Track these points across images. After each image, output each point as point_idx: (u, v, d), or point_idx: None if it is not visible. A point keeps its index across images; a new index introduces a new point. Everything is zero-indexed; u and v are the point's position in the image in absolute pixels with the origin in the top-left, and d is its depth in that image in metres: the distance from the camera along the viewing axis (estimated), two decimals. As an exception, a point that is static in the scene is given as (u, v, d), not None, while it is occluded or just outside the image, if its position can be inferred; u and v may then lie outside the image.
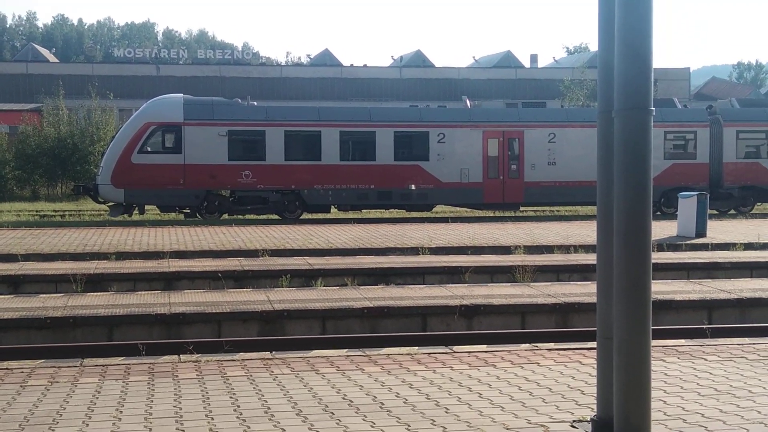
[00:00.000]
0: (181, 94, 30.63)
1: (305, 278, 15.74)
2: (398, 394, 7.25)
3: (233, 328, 12.04)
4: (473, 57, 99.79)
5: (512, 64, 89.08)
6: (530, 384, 7.59)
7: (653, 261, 5.73)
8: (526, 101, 38.37)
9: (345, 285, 14.93)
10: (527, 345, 9.62)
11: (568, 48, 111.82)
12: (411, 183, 29.57)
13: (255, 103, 31.09)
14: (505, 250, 19.15)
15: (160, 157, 28.33)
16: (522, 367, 8.25)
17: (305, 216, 29.53)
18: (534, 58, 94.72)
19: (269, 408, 6.79)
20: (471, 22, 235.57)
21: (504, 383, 7.62)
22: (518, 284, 14.91)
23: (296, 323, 12.28)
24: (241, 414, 6.60)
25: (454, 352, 9.05)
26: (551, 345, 9.58)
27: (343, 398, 7.09)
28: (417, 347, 9.74)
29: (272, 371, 8.12)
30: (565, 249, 19.26)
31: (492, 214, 31.33)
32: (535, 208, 34.09)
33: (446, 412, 6.65)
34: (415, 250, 18.76)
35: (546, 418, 6.47)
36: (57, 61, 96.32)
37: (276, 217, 29.21)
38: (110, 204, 28.65)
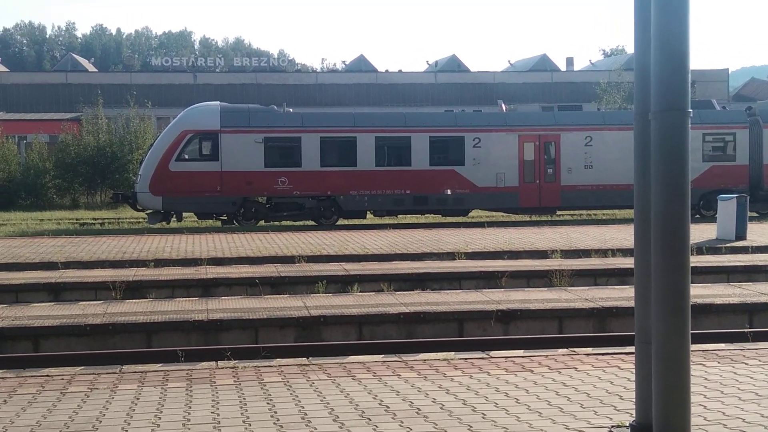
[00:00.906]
0: (218, 102, 30.84)
1: (341, 284, 15.76)
2: (435, 399, 7.23)
3: (270, 334, 12.09)
4: (508, 61, 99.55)
5: (548, 67, 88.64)
6: (568, 389, 7.54)
7: (692, 264, 5.66)
8: (562, 104, 38.30)
9: (381, 290, 14.93)
10: (565, 350, 9.55)
11: (604, 50, 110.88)
12: (447, 188, 29.50)
13: (291, 110, 31.21)
14: (542, 254, 19.04)
15: (198, 164, 28.54)
16: (560, 373, 8.19)
17: (341, 222, 29.58)
18: (570, 61, 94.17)
19: (306, 414, 6.80)
20: (506, 26, 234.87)
21: (541, 388, 7.57)
22: (555, 289, 14.81)
23: (333, 329, 12.30)
24: (278, 420, 6.62)
25: (491, 357, 9.01)
26: (589, 350, 9.51)
27: (380, 404, 7.09)
28: (453, 352, 9.70)
29: (309, 377, 8.14)
30: (603, 253, 19.11)
31: (528, 219, 31.17)
32: (571, 212, 33.83)
33: (483, 418, 6.62)
34: (451, 255, 18.71)
35: (584, 424, 6.42)
36: (96, 70, 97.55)
37: (312, 223, 29.29)
38: (149, 212, 28.90)
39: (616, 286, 15.14)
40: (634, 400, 6.07)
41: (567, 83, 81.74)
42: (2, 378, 8.27)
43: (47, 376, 8.35)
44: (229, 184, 28.36)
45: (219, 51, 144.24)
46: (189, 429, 6.41)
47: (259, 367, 8.64)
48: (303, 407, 7.02)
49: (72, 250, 19.70)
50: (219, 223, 29.33)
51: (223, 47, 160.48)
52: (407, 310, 12.61)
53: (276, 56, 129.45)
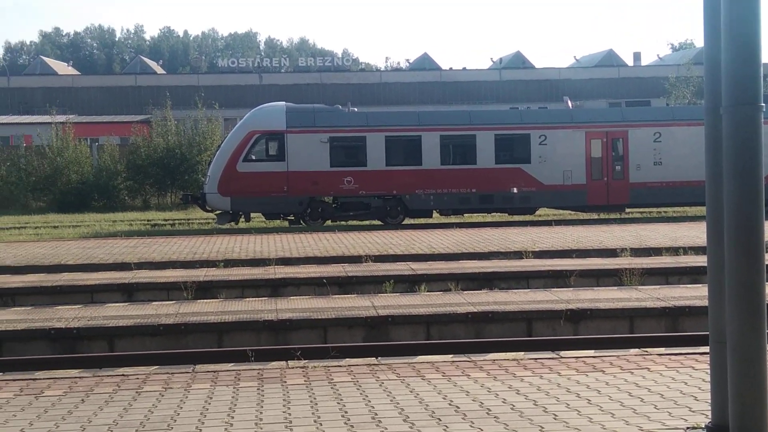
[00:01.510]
0: (284, 102, 31.12)
1: (409, 283, 15.78)
2: (505, 400, 7.20)
3: (339, 334, 12.17)
4: (574, 56, 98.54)
5: (615, 62, 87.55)
6: (641, 390, 7.44)
7: (767, 261, 5.55)
8: (630, 100, 37.79)
9: (449, 290, 14.91)
10: (636, 350, 9.44)
11: (672, 44, 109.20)
12: (513, 186, 29.33)
13: (355, 109, 31.35)
14: (611, 252, 18.80)
15: (264, 165, 28.83)
16: (632, 373, 8.09)
17: (407, 221, 29.61)
18: (637, 56, 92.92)
19: (376, 414, 6.84)
20: (572, 21, 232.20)
21: (613, 389, 7.49)
22: (625, 288, 14.62)
23: (401, 329, 12.33)
24: (348, 420, 6.67)
25: (561, 357, 8.94)
26: (662, 350, 9.38)
27: (450, 404, 7.09)
28: (523, 352, 9.66)
29: (378, 377, 8.17)
30: (674, 251, 18.79)
31: (596, 216, 30.81)
32: (641, 210, 33.36)
33: (555, 419, 6.58)
34: (518, 254, 18.60)
35: (658, 425, 6.34)
36: (164, 72, 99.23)
37: (378, 222, 29.38)
38: (217, 212, 29.30)
39: (688, 285, 14.88)
40: (709, 401, 5.97)
41: (634, 78, 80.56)
42: (79, 377, 8.47)
43: (123, 375, 8.53)
44: (295, 184, 28.60)
45: (284, 51, 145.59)
46: (261, 428, 6.49)
47: (328, 366, 8.71)
48: (373, 407, 7.05)
49: (144, 250, 20.08)
50: (286, 223, 29.60)
51: (288, 48, 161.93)
52: (475, 310, 12.57)
53: (340, 56, 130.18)
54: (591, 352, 9.30)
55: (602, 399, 7.16)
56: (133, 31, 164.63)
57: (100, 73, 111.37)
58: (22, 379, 8.43)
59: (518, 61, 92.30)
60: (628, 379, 7.87)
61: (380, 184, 29.04)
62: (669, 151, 29.86)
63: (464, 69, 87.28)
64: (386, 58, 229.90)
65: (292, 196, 28.65)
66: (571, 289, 14.62)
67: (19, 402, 7.49)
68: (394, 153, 29.36)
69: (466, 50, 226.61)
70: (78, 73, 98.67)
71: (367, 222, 29.51)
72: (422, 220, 29.91)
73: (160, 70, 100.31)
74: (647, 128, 30.07)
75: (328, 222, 29.12)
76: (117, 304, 13.87)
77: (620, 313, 12.57)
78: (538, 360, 8.79)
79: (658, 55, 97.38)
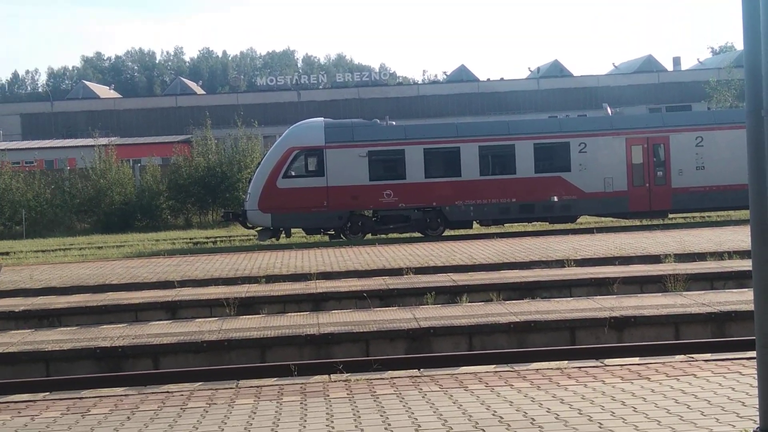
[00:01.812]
0: (322, 118, 31.25)
1: (450, 295, 15.73)
2: (549, 409, 7.14)
3: (381, 347, 12.16)
4: (613, 63, 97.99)
5: (654, 68, 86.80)
6: (687, 396, 7.34)
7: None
8: (670, 105, 37.39)
9: (490, 300, 14.84)
10: (682, 356, 9.31)
11: (713, 48, 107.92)
12: (553, 195, 29.15)
13: (394, 123, 31.40)
14: (655, 259, 18.59)
15: (304, 180, 28.97)
16: (678, 380, 7.98)
17: (447, 232, 29.54)
18: (677, 61, 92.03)
19: (420, 426, 6.81)
20: (609, 28, 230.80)
21: (659, 396, 7.39)
22: (670, 294, 14.44)
23: (443, 340, 12.28)
24: (391, 432, 6.65)
25: (606, 365, 8.85)
26: (708, 356, 9.25)
27: (493, 414, 7.05)
28: (566, 361, 9.58)
29: (421, 389, 8.15)
30: (719, 256, 18.53)
31: (639, 223, 30.50)
32: (684, 215, 32.96)
33: (600, 427, 6.50)
34: (560, 263, 18.47)
35: (705, 432, 6.24)
36: (204, 92, 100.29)
37: (418, 234, 29.35)
38: (258, 229, 29.46)
39: (734, 290, 14.66)
40: (756, 405, 5.87)
41: (674, 83, 79.85)
42: (125, 395, 8.55)
43: (167, 392, 8.59)
44: (335, 199, 28.68)
45: (321, 68, 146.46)
46: (305, 442, 6.50)
47: (371, 379, 8.70)
48: (416, 419, 7.03)
49: (187, 268, 20.24)
50: (327, 238, 29.68)
51: (325, 64, 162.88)
52: (517, 320, 12.50)
53: (377, 70, 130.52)
54: (636, 360, 9.20)
55: (648, 406, 7.06)
56: (172, 53, 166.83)
57: (141, 96, 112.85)
58: (69, 398, 8.52)
59: (556, 70, 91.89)
60: (674, 385, 7.77)
61: (420, 196, 29.02)
62: (711, 155, 29.50)
63: (502, 79, 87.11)
64: (423, 71, 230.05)
65: (332, 211, 28.72)
66: (615, 296, 14.47)
67: (67, 421, 7.57)
68: (433, 165, 29.34)
69: (504, 60, 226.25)
70: (119, 96, 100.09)
71: (407, 234, 29.49)
72: (462, 231, 29.82)
73: (199, 90, 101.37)
74: (689, 133, 29.74)
75: (369, 235, 29.14)
76: (161, 322, 13.99)
77: (665, 319, 12.41)
78: (582, 368, 8.71)
79: (698, 59, 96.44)
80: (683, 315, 12.47)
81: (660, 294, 14.57)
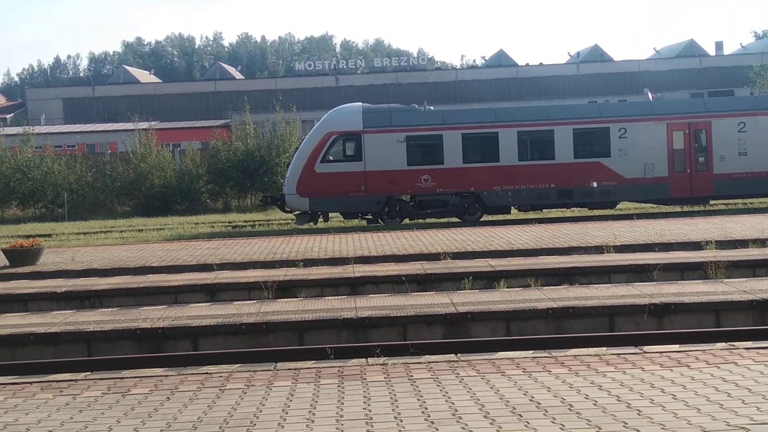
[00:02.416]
0: (360, 103, 31.24)
1: (488, 280, 15.69)
2: (587, 395, 7.10)
3: (418, 331, 12.17)
4: (654, 48, 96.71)
5: (696, 52, 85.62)
6: (728, 384, 7.25)
7: None
8: (713, 90, 36.88)
9: (528, 286, 14.78)
10: (723, 344, 9.21)
11: (756, 32, 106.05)
12: (592, 180, 28.91)
13: (432, 108, 31.29)
14: (695, 245, 18.39)
15: (342, 165, 29.00)
16: (718, 368, 7.90)
17: (485, 218, 29.44)
18: (719, 45, 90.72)
19: (456, 410, 6.81)
20: (651, 12, 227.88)
21: (699, 384, 7.32)
22: (711, 281, 14.28)
23: (480, 325, 12.26)
24: (429, 416, 6.66)
25: (645, 352, 8.78)
26: (749, 344, 9.14)
27: (531, 400, 7.02)
28: (605, 348, 9.51)
29: (458, 373, 8.14)
30: (761, 243, 18.28)
31: (679, 209, 30.18)
32: (725, 202, 32.55)
33: (638, 414, 6.46)
34: (599, 249, 18.33)
35: (746, 420, 6.17)
36: (242, 77, 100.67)
37: (456, 219, 29.28)
38: (296, 213, 29.58)
39: (776, 277, 14.46)
40: (800, 395, 5.79)
41: (717, 68, 78.73)
42: (164, 376, 8.64)
43: (206, 373, 8.67)
44: (373, 184, 28.69)
45: (360, 53, 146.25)
46: (342, 424, 6.53)
47: (408, 363, 8.71)
48: (453, 403, 7.03)
49: (226, 252, 20.39)
50: (364, 223, 29.72)
51: (363, 49, 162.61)
52: (555, 305, 12.43)
53: (415, 55, 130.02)
54: (676, 347, 9.11)
55: (688, 394, 7.00)
56: (212, 39, 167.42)
57: (180, 80, 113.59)
58: (110, 378, 8.64)
59: (596, 55, 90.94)
60: (715, 373, 7.68)
61: (458, 181, 28.93)
62: (754, 140, 29.09)
63: (541, 64, 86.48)
64: (462, 56, 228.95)
65: (370, 196, 28.74)
66: (655, 283, 14.34)
67: (107, 400, 7.68)
68: (471, 150, 29.23)
69: (543, 45, 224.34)
70: (159, 80, 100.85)
71: (444, 219, 29.45)
72: (500, 217, 29.70)
73: (238, 75, 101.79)
74: (731, 118, 29.33)
75: (406, 220, 29.14)
76: (200, 305, 14.12)
77: (706, 306, 12.28)
78: (621, 355, 8.65)
79: (740, 43, 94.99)
80: (724, 302, 12.33)
81: (701, 281, 14.42)
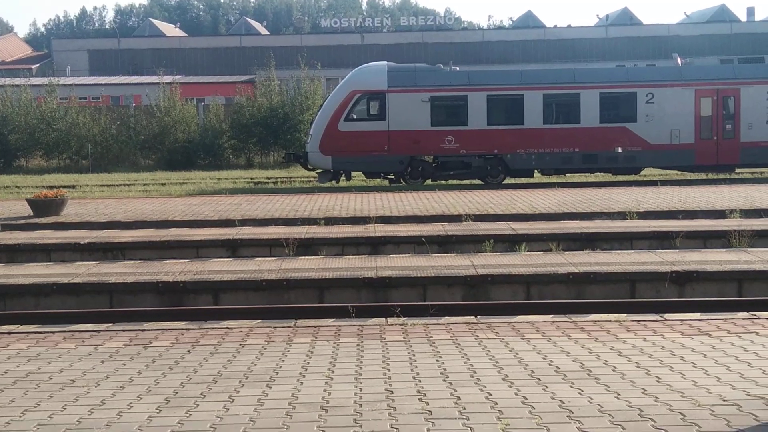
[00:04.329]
0: (385, 62, 31.05)
1: (509, 243, 15.64)
2: (606, 361, 7.09)
3: (438, 293, 12.18)
4: (684, 12, 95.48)
5: (727, 18, 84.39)
6: (748, 354, 7.22)
7: None
8: (743, 57, 36.39)
9: (549, 250, 14.73)
10: (745, 314, 9.15)
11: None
12: (617, 145, 28.71)
13: (457, 68, 31.07)
14: (720, 214, 18.25)
15: (366, 124, 28.91)
16: (739, 337, 7.86)
17: (508, 180, 29.34)
18: (751, 11, 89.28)
19: (475, 372, 6.82)
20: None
21: (720, 353, 7.29)
22: (734, 250, 14.19)
23: (500, 288, 12.26)
24: (447, 377, 6.67)
25: (665, 319, 8.74)
26: (771, 314, 9.06)
27: (549, 364, 7.02)
28: (625, 314, 9.48)
29: (477, 335, 8.15)
30: (787, 213, 18.11)
31: (704, 177, 29.94)
32: (752, 170, 32.26)
33: (657, 381, 6.44)
34: (622, 215, 18.23)
35: (766, 390, 6.14)
36: (268, 33, 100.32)
37: (479, 182, 29.20)
38: (319, 171, 29.59)
39: (800, 248, 14.33)
40: (822, 367, 5.75)
41: (747, 34, 77.62)
42: (185, 329, 8.71)
43: (227, 328, 8.73)
44: (396, 144, 28.61)
45: (386, 11, 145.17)
46: (361, 383, 6.56)
47: (427, 324, 8.73)
48: (472, 365, 7.04)
49: (248, 208, 20.44)
50: (386, 182, 29.69)
51: (390, 7, 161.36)
52: (576, 270, 12.40)
53: (442, 15, 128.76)
54: (697, 315, 9.06)
55: (708, 363, 6.97)
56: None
57: (206, 35, 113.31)
58: (132, 330, 8.72)
59: (626, 18, 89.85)
60: (735, 343, 7.65)
61: (481, 143, 28.80)
62: (784, 109, 28.72)
63: (569, 26, 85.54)
64: (489, 16, 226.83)
65: (393, 155, 28.68)
66: (677, 250, 14.26)
67: (129, 351, 7.75)
68: (496, 112, 29.04)
69: (572, 7, 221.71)
70: (185, 34, 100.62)
71: (467, 181, 29.37)
72: (523, 180, 29.60)
73: (264, 31, 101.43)
74: (760, 86, 28.96)
75: (429, 181, 29.09)
76: (222, 260, 14.19)
77: (728, 275, 12.21)
78: (642, 322, 8.62)
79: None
80: (747, 272, 12.25)
81: (724, 249, 14.32)
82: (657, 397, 6.04)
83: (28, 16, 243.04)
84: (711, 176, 29.88)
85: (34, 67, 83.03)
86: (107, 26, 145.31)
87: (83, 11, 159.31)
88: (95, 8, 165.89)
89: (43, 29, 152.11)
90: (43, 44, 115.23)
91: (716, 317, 8.81)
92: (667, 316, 8.98)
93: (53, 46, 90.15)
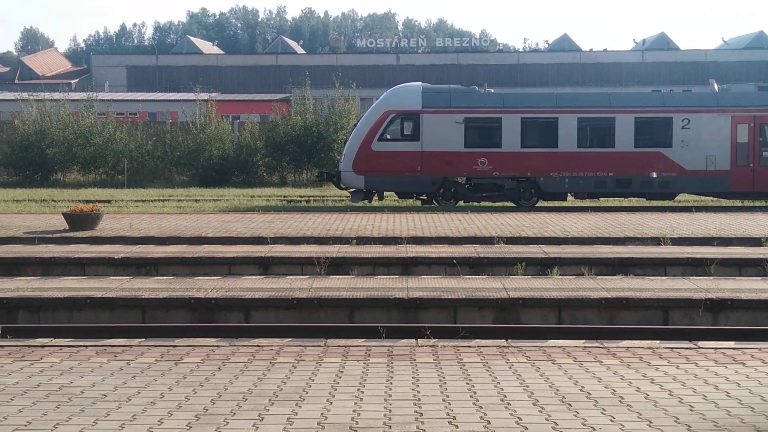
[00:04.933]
0: (420, 83, 31.12)
1: (541, 266, 15.58)
2: (639, 388, 7.03)
3: (469, 315, 12.14)
4: (722, 38, 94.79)
5: (765, 44, 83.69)
6: (783, 385, 7.12)
7: None
8: (781, 83, 35.91)
9: (582, 274, 14.65)
10: (780, 344, 9.03)
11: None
12: (652, 170, 28.49)
13: (492, 90, 31.06)
14: (755, 241, 18.04)
15: (399, 144, 28.95)
16: (774, 367, 7.76)
17: (541, 204, 29.21)
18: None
19: (505, 396, 6.79)
20: (720, 1, 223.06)
21: (754, 383, 7.20)
22: (770, 279, 14.01)
23: (531, 312, 12.19)
24: (477, 401, 6.65)
25: (699, 347, 8.65)
26: (807, 345, 8.93)
27: (581, 390, 6.97)
28: (658, 341, 9.39)
29: (508, 359, 8.11)
30: (824, 242, 17.85)
31: (740, 204, 29.62)
32: (789, 198, 31.87)
33: (690, 410, 6.37)
34: (656, 240, 18.08)
35: (801, 423, 6.05)
36: (304, 52, 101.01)
37: (511, 204, 29.10)
38: (351, 190, 29.64)
39: (838, 278, 14.12)
40: None
41: (786, 61, 76.84)
42: (217, 346, 8.75)
43: (258, 346, 8.75)
44: (429, 164, 28.61)
45: (422, 32, 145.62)
46: (390, 404, 6.55)
47: (458, 346, 8.70)
48: (502, 389, 7.00)
49: (280, 226, 20.52)
50: (419, 203, 29.68)
51: (425, 28, 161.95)
52: (609, 296, 12.31)
53: (478, 36, 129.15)
54: (731, 344, 8.95)
55: (741, 392, 6.89)
56: (275, 12, 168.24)
57: (243, 53, 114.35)
58: (164, 345, 8.77)
59: (662, 43, 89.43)
60: (771, 373, 7.54)
61: (514, 165, 28.72)
62: (822, 137, 28.39)
63: (605, 50, 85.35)
64: (524, 39, 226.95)
65: (426, 176, 28.68)
66: (711, 278, 14.12)
67: (160, 367, 7.80)
68: (530, 135, 28.96)
69: (608, 31, 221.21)
70: (222, 52, 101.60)
71: (500, 204, 29.27)
72: (556, 203, 29.45)
73: (300, 50, 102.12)
74: (798, 113, 28.65)
75: (461, 202, 29.03)
76: (253, 277, 14.25)
77: (764, 304, 12.06)
78: (675, 349, 8.53)
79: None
80: (783, 301, 12.08)
81: (759, 278, 14.15)
82: (690, 426, 5.97)
83: (69, 32, 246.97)
84: (747, 203, 29.56)
85: (73, 82, 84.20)
86: (146, 43, 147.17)
87: (123, 27, 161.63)
88: (134, 25, 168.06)
89: (83, 44, 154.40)
90: (82, 59, 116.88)
91: (750, 346, 8.71)
92: (701, 343, 8.89)
93: (92, 62, 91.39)
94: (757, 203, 29.29)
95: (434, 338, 9.49)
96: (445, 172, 28.78)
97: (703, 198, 31.35)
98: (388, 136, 28.97)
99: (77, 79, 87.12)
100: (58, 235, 18.82)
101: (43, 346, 8.73)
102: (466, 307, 12.22)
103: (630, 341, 9.43)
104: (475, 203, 29.02)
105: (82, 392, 6.94)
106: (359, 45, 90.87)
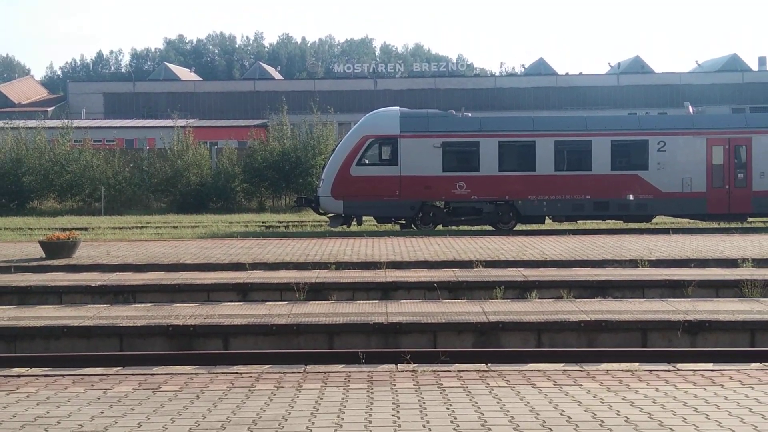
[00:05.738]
0: (398, 107, 31.27)
1: (520, 290, 15.60)
2: (619, 411, 7.03)
3: (448, 339, 12.12)
4: (696, 61, 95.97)
5: (738, 67, 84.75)
6: (762, 406, 7.15)
7: None
8: (754, 106, 36.43)
9: (561, 297, 14.67)
10: (758, 364, 9.07)
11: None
12: (629, 193, 28.71)
13: (469, 114, 31.23)
14: (732, 263, 18.15)
15: (377, 169, 29.02)
16: (753, 388, 7.79)
17: (519, 227, 29.31)
18: (762, 61, 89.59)
19: (486, 421, 6.77)
20: (693, 25, 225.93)
21: (733, 404, 7.22)
22: (747, 300, 14.09)
23: (511, 335, 12.19)
24: (458, 426, 6.62)
25: (678, 369, 8.68)
26: (785, 365, 8.97)
27: (561, 414, 6.96)
28: (637, 363, 9.41)
29: (488, 383, 8.10)
30: (800, 262, 17.99)
31: (716, 225, 29.86)
32: (764, 219, 32.16)
33: (670, 433, 6.38)
34: (633, 263, 18.16)
35: (780, 445, 6.07)
36: (282, 78, 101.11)
37: (490, 228, 29.18)
38: (330, 215, 29.64)
39: (814, 299, 14.22)
40: (837, 421, 5.68)
41: (759, 84, 77.96)
42: (195, 374, 8.69)
43: (236, 373, 8.70)
44: (407, 189, 28.68)
45: (399, 57, 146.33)
46: (371, 431, 6.51)
47: (438, 371, 8.68)
48: (483, 414, 6.99)
49: (259, 251, 20.46)
50: (398, 227, 29.71)
51: (403, 53, 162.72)
52: (588, 318, 12.33)
53: (455, 61, 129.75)
54: (709, 366, 8.99)
55: (721, 414, 6.91)
56: (253, 38, 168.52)
57: (220, 79, 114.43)
58: (141, 374, 8.70)
59: (637, 66, 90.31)
60: (749, 394, 7.58)
61: (493, 189, 28.85)
62: (796, 158, 28.70)
63: (581, 74, 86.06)
64: (501, 63, 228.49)
65: (405, 200, 28.74)
66: (689, 299, 14.18)
67: (138, 396, 7.73)
68: (507, 158, 29.13)
69: (583, 55, 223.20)
70: (200, 78, 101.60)
71: (478, 227, 29.35)
72: (534, 227, 29.56)
73: (277, 75, 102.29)
74: (772, 135, 28.97)
75: (440, 226, 29.09)
76: (232, 303, 14.17)
77: (741, 325, 12.12)
78: (654, 372, 8.56)
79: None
80: (760, 322, 12.15)
81: (736, 299, 14.23)
82: (670, 449, 5.97)
83: (46, 59, 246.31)
84: (723, 225, 29.81)
85: (49, 109, 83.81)
86: (123, 70, 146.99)
87: (99, 54, 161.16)
88: (111, 52, 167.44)
89: (59, 72, 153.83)
90: (59, 87, 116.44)
91: (729, 368, 8.74)
92: (680, 365, 8.92)
93: (69, 89, 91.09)
94: (733, 225, 29.53)
95: (414, 363, 9.47)
96: (424, 196, 28.86)
97: (679, 220, 31.58)
98: (367, 161, 29.04)
99: (54, 107, 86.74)
100: (34, 263, 18.67)
101: (19, 376, 8.63)
102: (446, 331, 12.20)
103: (609, 364, 9.45)
104: (454, 227, 29.09)
105: (59, 422, 6.86)
106: (337, 70, 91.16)
